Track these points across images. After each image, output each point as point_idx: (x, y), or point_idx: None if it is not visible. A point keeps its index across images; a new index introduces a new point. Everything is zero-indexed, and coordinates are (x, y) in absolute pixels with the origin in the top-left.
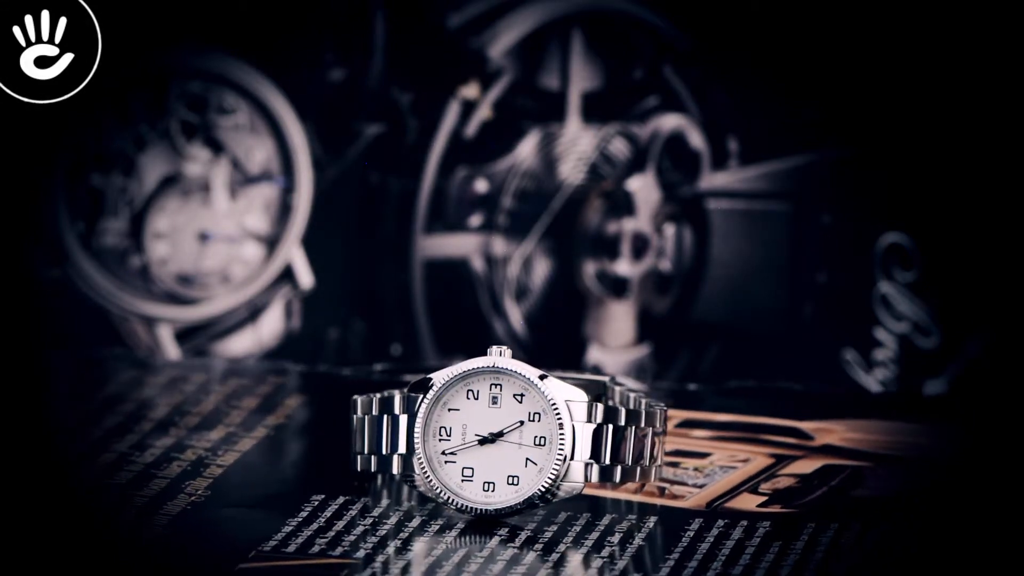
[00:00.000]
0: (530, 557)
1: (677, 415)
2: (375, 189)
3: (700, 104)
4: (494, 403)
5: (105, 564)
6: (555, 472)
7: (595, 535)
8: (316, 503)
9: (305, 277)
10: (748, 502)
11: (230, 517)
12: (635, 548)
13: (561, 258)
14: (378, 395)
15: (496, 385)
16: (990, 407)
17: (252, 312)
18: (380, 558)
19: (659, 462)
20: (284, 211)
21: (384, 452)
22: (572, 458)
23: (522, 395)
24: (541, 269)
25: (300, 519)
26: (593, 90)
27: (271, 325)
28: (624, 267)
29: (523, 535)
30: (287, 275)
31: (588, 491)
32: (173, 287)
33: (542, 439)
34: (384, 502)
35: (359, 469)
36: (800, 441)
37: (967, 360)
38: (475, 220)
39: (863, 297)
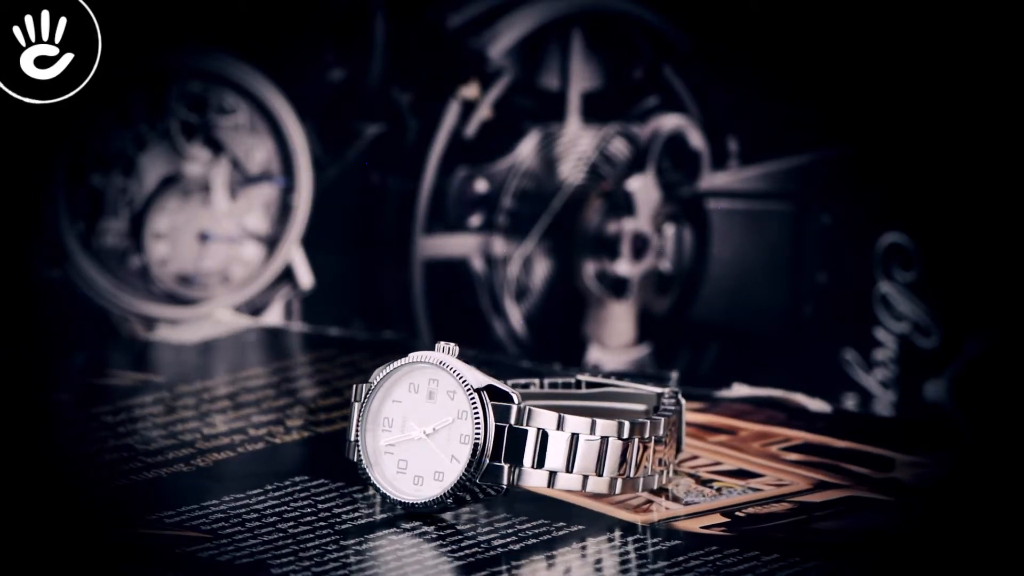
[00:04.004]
0: (385, 548)
1: (799, 436)
2: (375, 189)
3: (700, 104)
4: (431, 398)
5: (35, 509)
6: (469, 471)
7: (492, 535)
8: (283, 484)
9: (305, 277)
10: (696, 523)
11: (184, 488)
12: (512, 550)
13: (561, 258)
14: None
15: (434, 380)
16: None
17: (252, 312)
18: (240, 537)
19: (629, 474)
20: (284, 211)
21: (351, 439)
22: (498, 460)
23: (455, 392)
24: (541, 269)
25: (240, 495)
26: (593, 90)
27: (271, 325)
28: (624, 267)
29: (423, 528)
30: (287, 275)
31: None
32: (173, 287)
33: (466, 437)
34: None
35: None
36: (870, 472)
37: (967, 360)
38: (475, 220)
39: (863, 297)
